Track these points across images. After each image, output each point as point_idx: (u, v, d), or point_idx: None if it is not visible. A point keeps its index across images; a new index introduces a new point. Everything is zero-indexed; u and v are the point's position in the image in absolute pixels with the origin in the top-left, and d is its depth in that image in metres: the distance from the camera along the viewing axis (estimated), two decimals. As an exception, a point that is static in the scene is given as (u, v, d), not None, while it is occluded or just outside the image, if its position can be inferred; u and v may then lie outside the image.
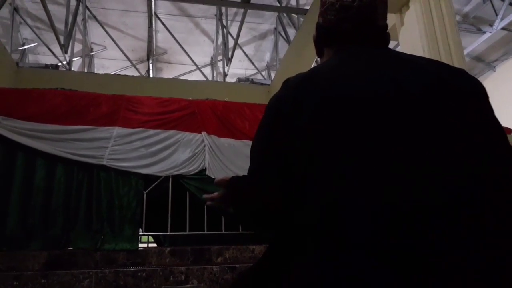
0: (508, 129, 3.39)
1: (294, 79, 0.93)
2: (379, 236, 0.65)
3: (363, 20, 0.99)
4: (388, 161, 0.71)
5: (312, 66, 6.06)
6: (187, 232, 3.34)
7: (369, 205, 0.68)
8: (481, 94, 0.89)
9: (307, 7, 6.72)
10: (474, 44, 7.93)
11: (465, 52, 7.53)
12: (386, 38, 1.03)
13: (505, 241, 0.66)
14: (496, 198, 0.70)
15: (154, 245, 4.14)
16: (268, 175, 0.86)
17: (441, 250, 0.64)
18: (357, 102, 0.79)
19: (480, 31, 7.71)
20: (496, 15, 7.19)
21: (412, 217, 0.66)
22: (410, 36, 3.75)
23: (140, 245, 3.20)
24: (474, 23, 7.71)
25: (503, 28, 7.53)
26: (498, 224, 0.68)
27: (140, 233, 3.34)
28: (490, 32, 7.56)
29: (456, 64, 3.44)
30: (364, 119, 0.76)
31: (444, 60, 3.42)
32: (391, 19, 3.89)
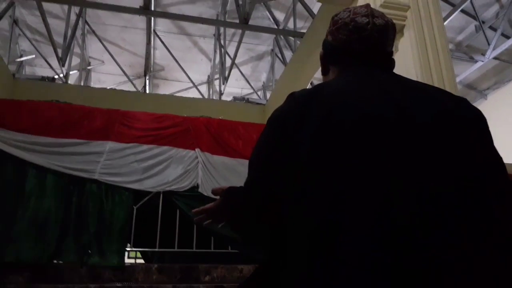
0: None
1: (299, 94, 0.92)
2: (378, 251, 0.66)
3: (374, 44, 1.01)
4: (386, 181, 0.72)
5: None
6: (175, 249, 3.30)
7: (368, 222, 0.68)
8: (482, 124, 0.91)
9: (304, 31, 6.83)
10: (466, 72, 8.06)
11: (458, 79, 7.65)
12: (392, 63, 1.05)
13: (502, 256, 0.68)
14: (491, 218, 0.72)
15: (142, 261, 4.07)
16: (266, 187, 0.86)
17: (439, 263, 0.65)
18: (361, 125, 0.80)
19: (473, 60, 7.85)
20: (489, 44, 7.34)
21: (411, 232, 0.67)
22: (404, 62, 3.80)
23: (128, 260, 3.15)
24: (467, 52, 7.86)
25: (495, 58, 7.67)
26: (495, 240, 0.69)
27: (128, 249, 3.29)
28: (482, 61, 7.70)
29: (449, 91, 3.47)
30: (366, 142, 0.77)
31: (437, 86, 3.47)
32: (386, 45, 3.96)
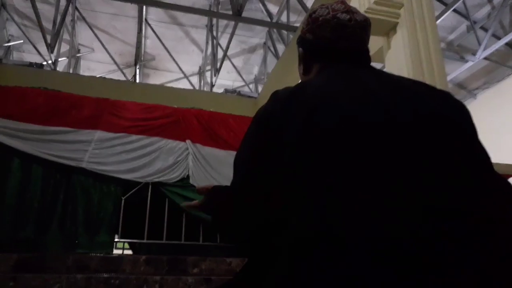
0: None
1: (283, 92, 0.91)
2: (379, 238, 0.66)
3: (357, 40, 1.01)
4: (380, 173, 0.73)
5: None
6: (163, 241, 3.29)
7: (367, 210, 0.68)
8: (467, 118, 0.90)
9: (297, 25, 6.81)
10: (457, 71, 8.14)
11: (448, 78, 7.71)
12: (370, 59, 1.05)
13: (497, 251, 0.68)
14: (484, 216, 0.72)
15: (130, 252, 4.06)
16: (252, 188, 0.86)
17: (440, 251, 0.65)
18: (348, 127, 0.79)
19: (463, 59, 7.93)
20: (479, 44, 7.41)
21: (411, 219, 0.67)
22: (396, 59, 3.82)
23: (115, 251, 3.14)
24: (458, 51, 7.93)
25: (485, 58, 7.76)
26: (489, 236, 0.69)
27: (115, 239, 3.27)
28: (472, 61, 7.78)
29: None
30: (354, 144, 0.77)
31: (428, 85, 3.48)
32: (379, 42, 3.97)
